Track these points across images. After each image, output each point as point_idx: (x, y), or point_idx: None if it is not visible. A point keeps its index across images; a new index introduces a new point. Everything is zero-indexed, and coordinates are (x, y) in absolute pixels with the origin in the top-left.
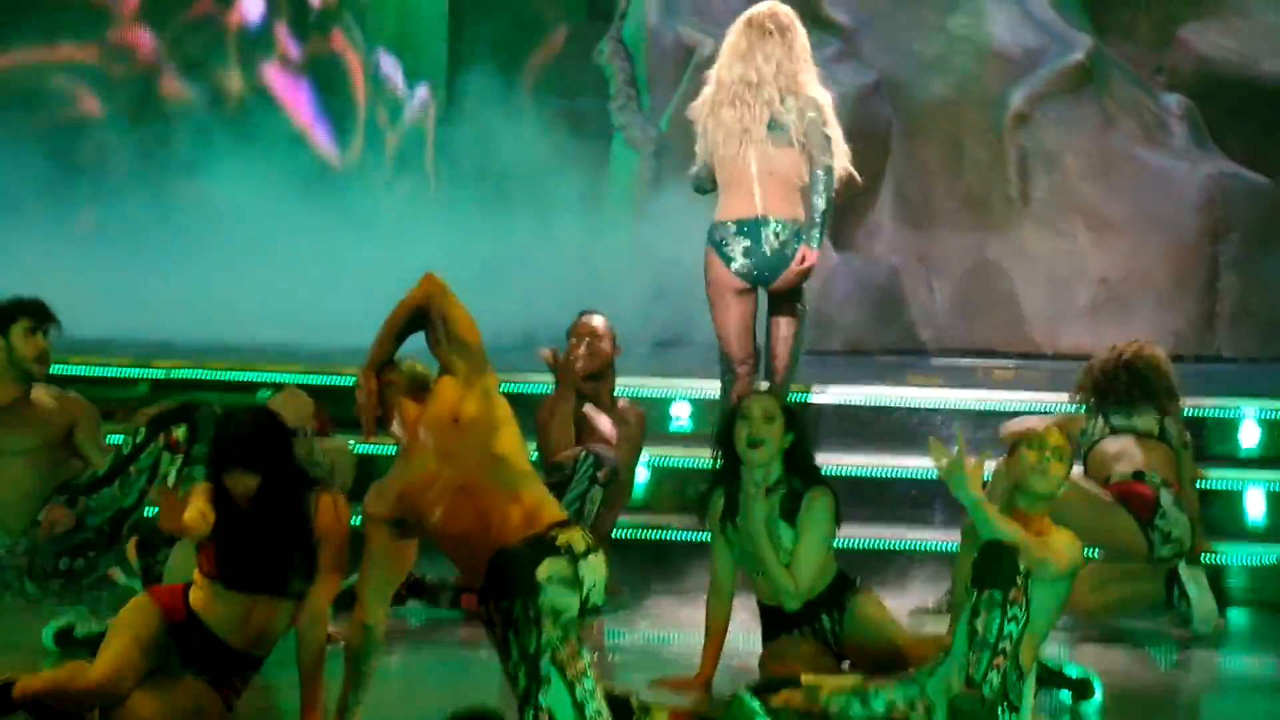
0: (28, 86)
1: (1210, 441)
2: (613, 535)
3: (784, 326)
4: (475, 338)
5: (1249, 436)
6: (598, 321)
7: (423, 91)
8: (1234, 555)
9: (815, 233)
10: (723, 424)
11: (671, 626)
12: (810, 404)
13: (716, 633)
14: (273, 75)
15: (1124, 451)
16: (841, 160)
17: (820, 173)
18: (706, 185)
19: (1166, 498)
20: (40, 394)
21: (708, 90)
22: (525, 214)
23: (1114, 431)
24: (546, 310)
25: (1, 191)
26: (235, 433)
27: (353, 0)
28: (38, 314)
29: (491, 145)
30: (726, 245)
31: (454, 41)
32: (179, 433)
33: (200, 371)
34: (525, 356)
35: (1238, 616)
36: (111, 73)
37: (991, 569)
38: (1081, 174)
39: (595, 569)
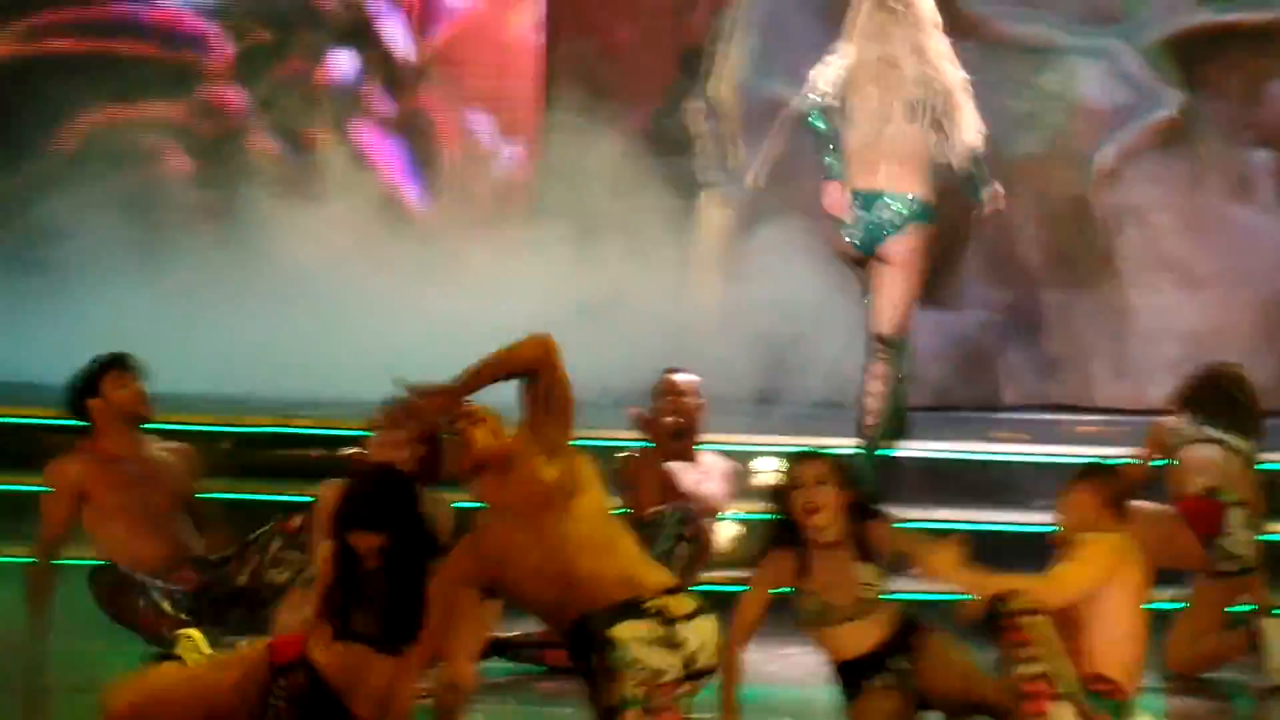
0: (117, 144)
1: None
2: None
3: (875, 371)
4: (572, 408)
5: None
6: (682, 379)
7: (514, 148)
8: None
9: (986, 176)
10: (775, 488)
11: (759, 679)
12: (895, 458)
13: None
14: (364, 132)
15: (1207, 464)
16: (972, 134)
17: (961, 150)
18: (823, 129)
19: (1236, 516)
20: (156, 450)
21: (840, 65)
22: (615, 269)
23: (1206, 439)
24: (635, 365)
25: (90, 250)
26: (361, 492)
27: (446, 59)
28: (120, 363)
29: (582, 202)
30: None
31: (548, 99)
32: (297, 519)
33: (285, 428)
34: (612, 412)
35: None
36: (200, 130)
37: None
38: (1170, 230)
39: (702, 631)
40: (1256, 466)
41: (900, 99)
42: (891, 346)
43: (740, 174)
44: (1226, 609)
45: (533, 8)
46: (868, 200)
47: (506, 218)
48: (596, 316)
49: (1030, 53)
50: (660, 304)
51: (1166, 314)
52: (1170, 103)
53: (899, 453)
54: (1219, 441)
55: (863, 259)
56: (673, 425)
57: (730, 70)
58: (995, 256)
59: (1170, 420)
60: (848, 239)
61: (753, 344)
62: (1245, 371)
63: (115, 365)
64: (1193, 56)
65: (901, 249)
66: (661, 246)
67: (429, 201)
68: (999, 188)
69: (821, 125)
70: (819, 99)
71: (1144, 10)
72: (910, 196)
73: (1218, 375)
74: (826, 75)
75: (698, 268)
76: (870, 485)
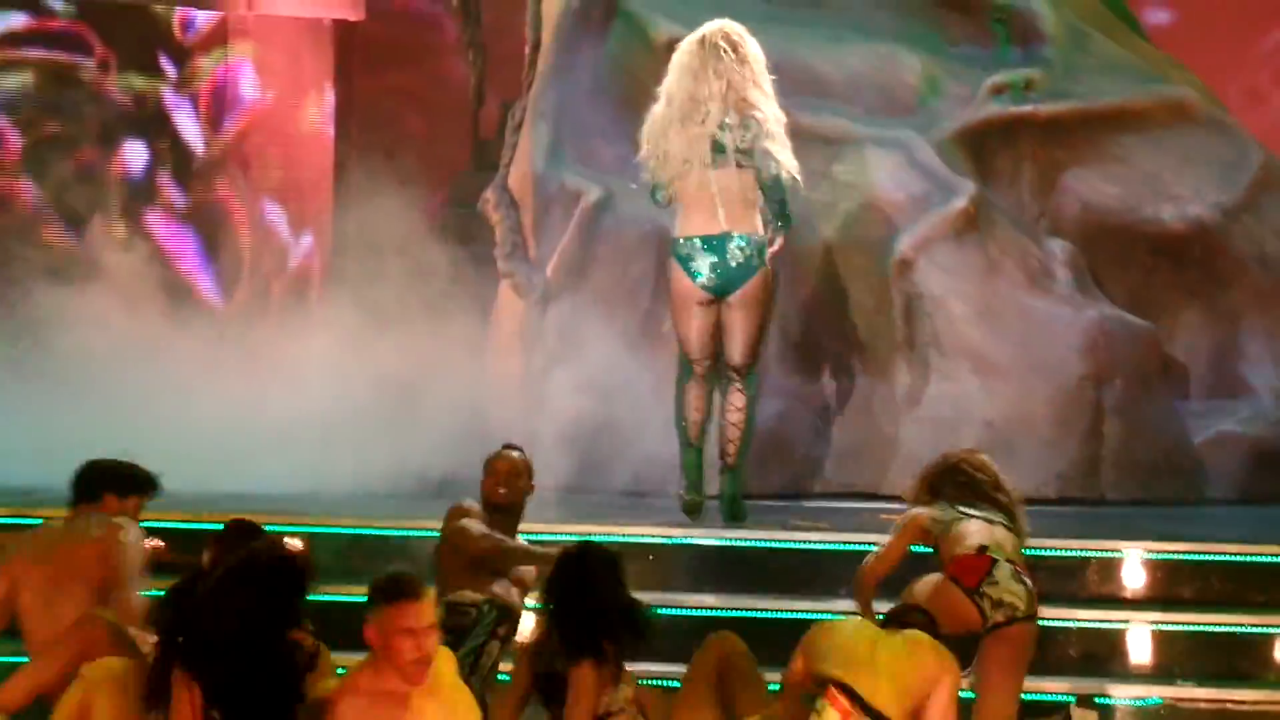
0: None
1: (1093, 582)
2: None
3: (735, 402)
4: None
5: (1132, 578)
6: (517, 456)
7: (309, 238)
8: (1119, 696)
9: (780, 224)
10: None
11: None
12: (693, 545)
13: None
14: (156, 223)
15: (977, 530)
16: (785, 169)
17: (769, 181)
18: (662, 202)
19: (1004, 569)
20: None
21: (658, 109)
22: (414, 360)
23: (969, 516)
24: (439, 452)
25: None
26: None
27: (238, 150)
28: None
29: (378, 290)
30: (692, 260)
31: (341, 190)
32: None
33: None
34: (423, 501)
35: None
36: None
37: None
38: (966, 319)
39: None
40: (1024, 549)
41: (705, 140)
42: (748, 375)
43: (537, 263)
44: (1019, 666)
45: (323, 100)
46: (716, 244)
47: (303, 306)
48: (396, 404)
49: (826, 144)
50: (461, 391)
51: (963, 402)
52: (964, 193)
53: (700, 540)
54: (982, 517)
55: (714, 300)
56: (504, 499)
57: (523, 160)
58: (794, 344)
59: (925, 511)
60: (700, 286)
61: (557, 431)
62: (985, 456)
63: None
64: (986, 148)
65: (753, 289)
66: (461, 334)
67: (223, 291)
68: (781, 238)
69: (658, 199)
70: (655, 189)
71: (937, 102)
72: (753, 236)
73: (959, 461)
74: (643, 134)
75: (497, 356)
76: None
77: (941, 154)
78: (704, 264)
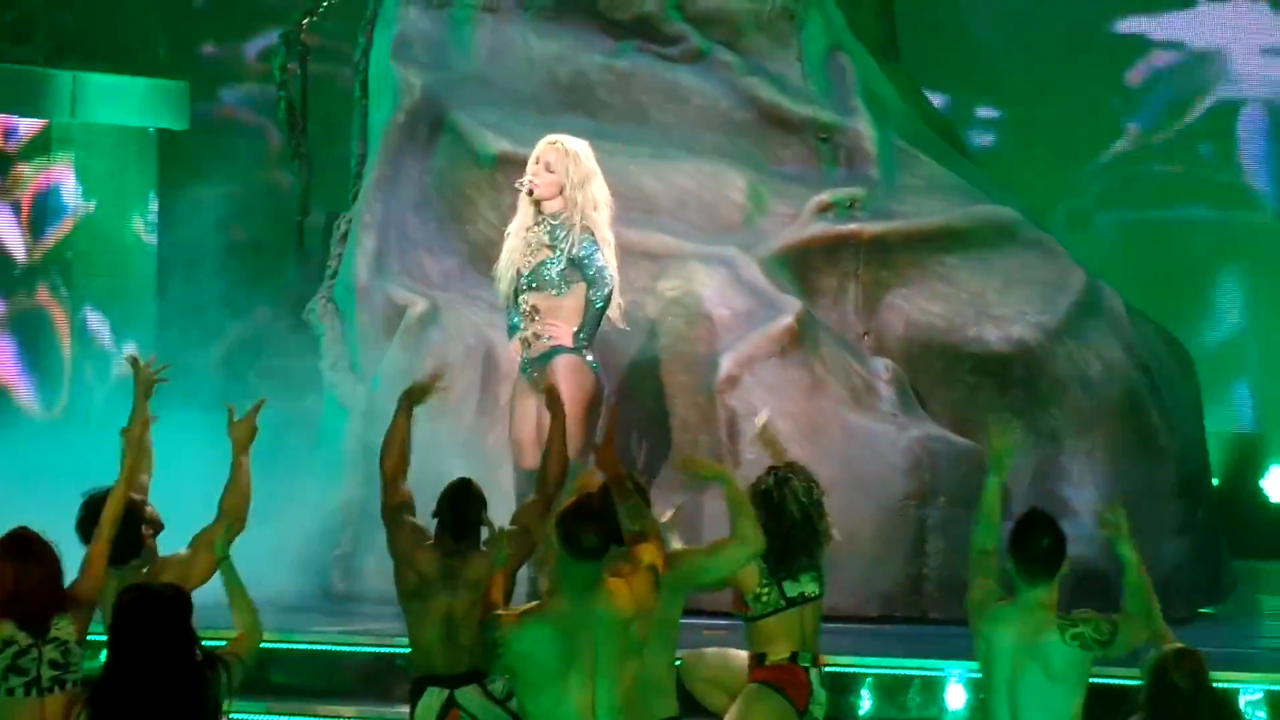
0: None
1: (916, 705)
2: None
3: None
4: None
5: (955, 699)
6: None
7: (131, 347)
8: None
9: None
10: None
11: None
12: None
13: None
14: None
15: (788, 629)
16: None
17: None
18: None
19: (816, 677)
20: None
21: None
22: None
23: (788, 602)
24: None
25: None
26: None
27: (58, 257)
28: None
29: (201, 405)
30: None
31: (162, 300)
32: None
33: None
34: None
35: None
36: None
37: None
38: (790, 436)
39: None
40: None
41: (526, 264)
42: None
43: (363, 375)
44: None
45: (146, 208)
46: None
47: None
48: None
49: (653, 260)
50: (287, 511)
51: None
52: (789, 310)
53: None
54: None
55: None
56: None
57: (348, 271)
58: (623, 460)
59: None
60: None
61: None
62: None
63: None
64: (811, 265)
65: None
66: (285, 452)
67: (45, 399)
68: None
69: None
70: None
71: (762, 220)
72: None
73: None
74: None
75: (325, 467)
76: None
77: (766, 271)
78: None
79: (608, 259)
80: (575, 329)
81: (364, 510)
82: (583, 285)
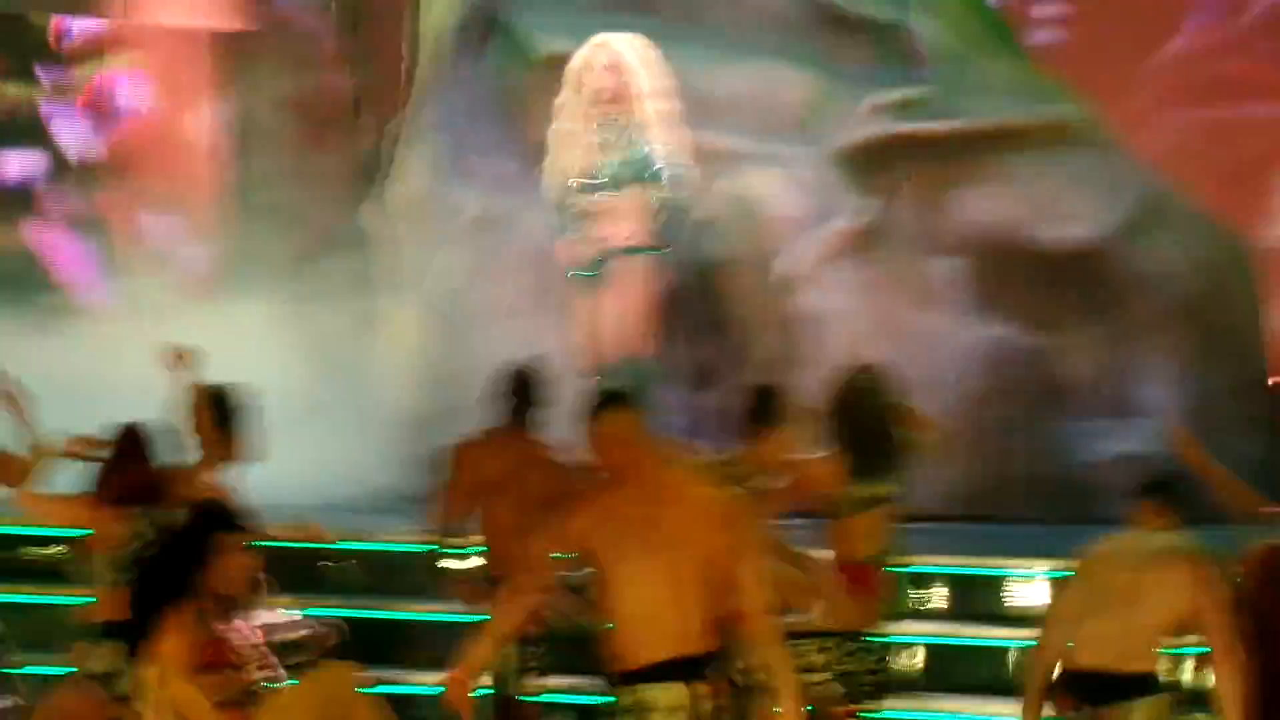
0: None
1: (997, 603)
2: None
3: None
4: None
5: (1036, 596)
6: None
7: (195, 249)
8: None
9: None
10: None
11: None
12: None
13: None
14: (39, 232)
15: (868, 529)
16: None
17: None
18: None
19: (895, 577)
20: None
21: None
22: (301, 369)
23: (866, 503)
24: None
25: None
26: None
27: (123, 159)
28: None
29: (264, 303)
30: None
31: (222, 200)
32: None
33: None
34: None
35: None
36: None
37: None
38: (851, 337)
39: None
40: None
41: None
42: None
43: (420, 278)
44: None
45: (205, 110)
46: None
47: (187, 319)
48: (285, 418)
49: (710, 160)
50: (352, 401)
51: None
52: (850, 212)
53: None
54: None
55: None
56: None
57: (404, 175)
58: (683, 362)
59: None
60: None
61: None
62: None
63: None
64: (870, 166)
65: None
66: (347, 348)
67: (108, 301)
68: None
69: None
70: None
71: (821, 121)
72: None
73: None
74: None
75: (382, 369)
76: None
77: (826, 172)
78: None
79: (668, 158)
80: (632, 229)
81: (428, 409)
82: (640, 185)
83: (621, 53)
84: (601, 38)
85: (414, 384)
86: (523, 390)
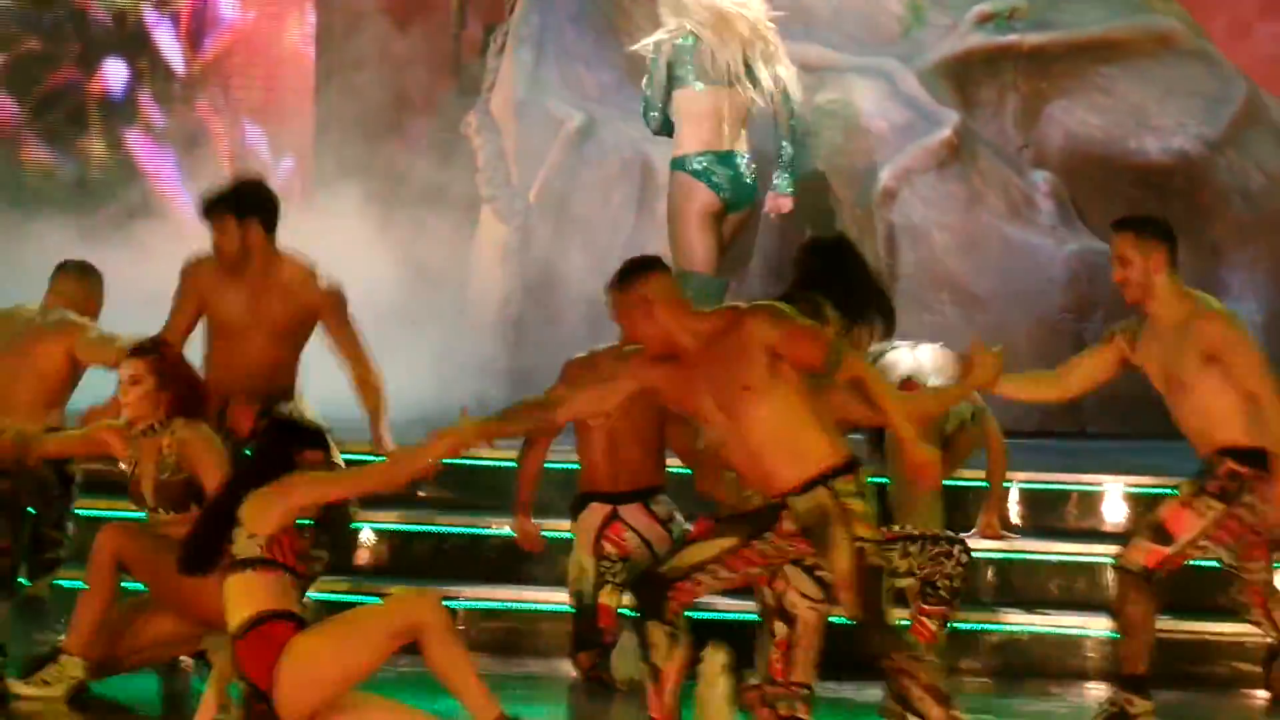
0: None
1: (1075, 516)
2: None
3: None
4: None
5: (1112, 511)
6: None
7: (289, 160)
8: (1096, 629)
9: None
10: None
11: None
12: None
13: None
14: (136, 142)
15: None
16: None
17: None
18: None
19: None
20: None
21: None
22: (394, 282)
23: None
24: (428, 380)
25: None
26: None
27: (217, 70)
28: None
29: (358, 215)
30: (712, 174)
31: (321, 113)
32: None
33: None
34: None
35: None
36: None
37: None
38: (948, 249)
39: None
40: None
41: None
42: None
43: (519, 188)
44: None
45: (304, 21)
46: (725, 159)
47: (281, 230)
48: (375, 326)
49: (808, 71)
50: (442, 313)
51: (944, 332)
52: (948, 123)
53: None
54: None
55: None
56: None
57: (505, 85)
58: (776, 273)
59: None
60: (720, 196)
61: (546, 356)
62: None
63: None
64: (969, 78)
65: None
66: (443, 257)
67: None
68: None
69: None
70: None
71: (921, 31)
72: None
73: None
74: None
75: (479, 279)
76: None
77: (925, 84)
78: (722, 177)
79: (783, 74)
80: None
81: (521, 323)
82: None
83: None
84: None
85: (511, 295)
86: None
